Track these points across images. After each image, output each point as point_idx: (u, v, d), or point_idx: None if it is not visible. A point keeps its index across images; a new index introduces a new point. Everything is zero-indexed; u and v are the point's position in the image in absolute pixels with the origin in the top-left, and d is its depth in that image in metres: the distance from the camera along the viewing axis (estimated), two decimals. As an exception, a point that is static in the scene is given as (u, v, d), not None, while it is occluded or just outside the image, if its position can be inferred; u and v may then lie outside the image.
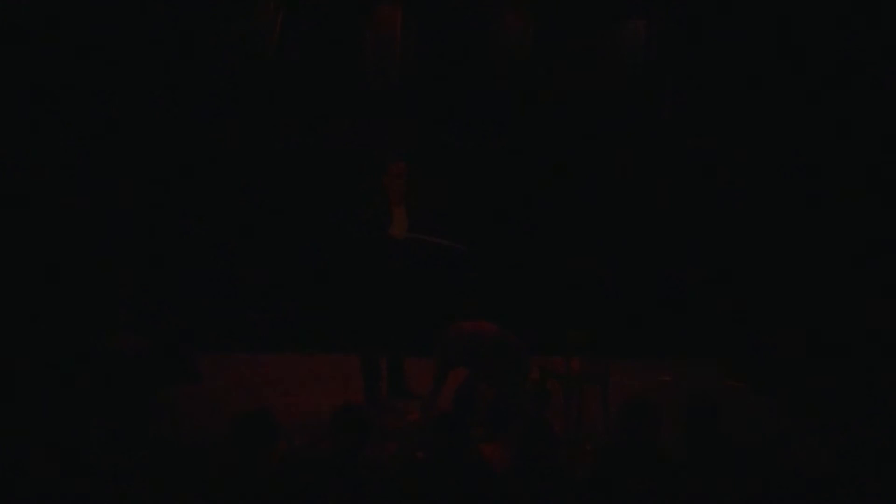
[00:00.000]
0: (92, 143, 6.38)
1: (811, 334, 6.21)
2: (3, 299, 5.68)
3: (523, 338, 5.69)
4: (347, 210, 6.48)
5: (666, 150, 7.25)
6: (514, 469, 3.74)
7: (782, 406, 6.11)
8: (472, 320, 5.65)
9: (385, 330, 5.76)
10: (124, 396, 5.45)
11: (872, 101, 5.99)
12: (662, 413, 3.76)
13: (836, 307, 6.10)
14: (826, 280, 6.21)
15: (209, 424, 5.03)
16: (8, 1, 5.96)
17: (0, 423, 4.93)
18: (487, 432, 5.09)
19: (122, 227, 6.51)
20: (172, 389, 5.62)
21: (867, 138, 5.99)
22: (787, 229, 6.59)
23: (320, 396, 5.81)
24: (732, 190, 7.06)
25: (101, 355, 5.50)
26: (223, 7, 6.72)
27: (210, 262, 6.83)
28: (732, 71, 6.94)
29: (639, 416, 3.71)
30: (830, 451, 3.99)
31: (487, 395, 5.61)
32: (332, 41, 6.93)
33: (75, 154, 6.29)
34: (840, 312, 6.06)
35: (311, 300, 7.01)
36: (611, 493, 3.61)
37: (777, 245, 6.66)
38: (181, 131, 6.71)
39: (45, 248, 5.98)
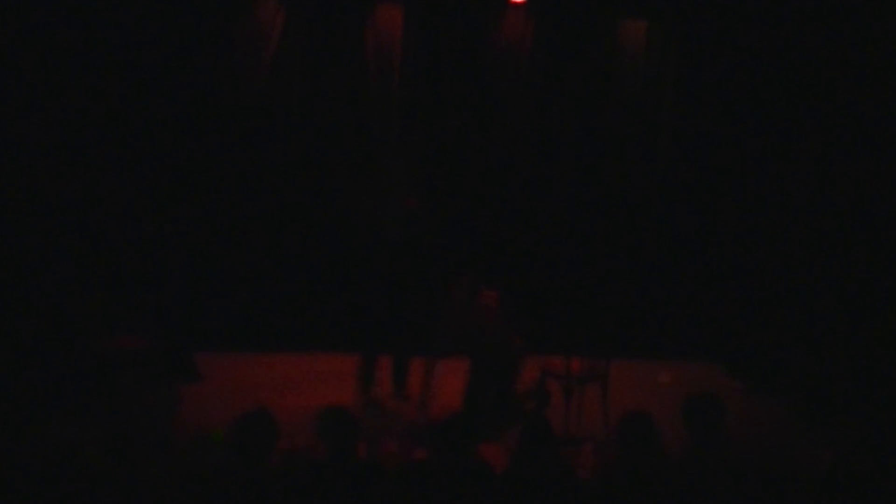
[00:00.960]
0: (91, 141, 6.38)
1: (810, 333, 6.22)
2: (2, 299, 5.68)
3: (523, 338, 5.70)
4: (347, 209, 6.49)
5: (666, 150, 7.25)
6: (514, 469, 3.75)
7: (782, 406, 6.11)
8: (472, 318, 5.66)
9: (387, 329, 5.76)
10: (125, 396, 5.46)
11: (873, 101, 5.99)
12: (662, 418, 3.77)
13: (835, 307, 6.10)
14: (826, 280, 6.21)
15: (209, 424, 5.03)
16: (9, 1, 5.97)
17: None
18: (487, 432, 5.09)
19: (123, 227, 6.51)
20: (172, 389, 5.63)
21: (867, 138, 5.99)
22: (788, 229, 6.59)
23: (320, 396, 5.81)
24: (732, 190, 7.06)
25: (101, 355, 5.50)
26: (223, 7, 6.72)
27: (210, 262, 6.83)
28: (733, 71, 6.94)
29: (637, 431, 3.70)
30: (830, 451, 3.98)
31: (487, 396, 5.62)
32: (332, 41, 6.93)
33: (75, 152, 6.29)
34: (840, 312, 6.07)
35: (312, 299, 7.01)
36: (611, 493, 3.61)
37: (777, 245, 6.66)
38: (181, 130, 6.71)
39: (44, 248, 5.98)
